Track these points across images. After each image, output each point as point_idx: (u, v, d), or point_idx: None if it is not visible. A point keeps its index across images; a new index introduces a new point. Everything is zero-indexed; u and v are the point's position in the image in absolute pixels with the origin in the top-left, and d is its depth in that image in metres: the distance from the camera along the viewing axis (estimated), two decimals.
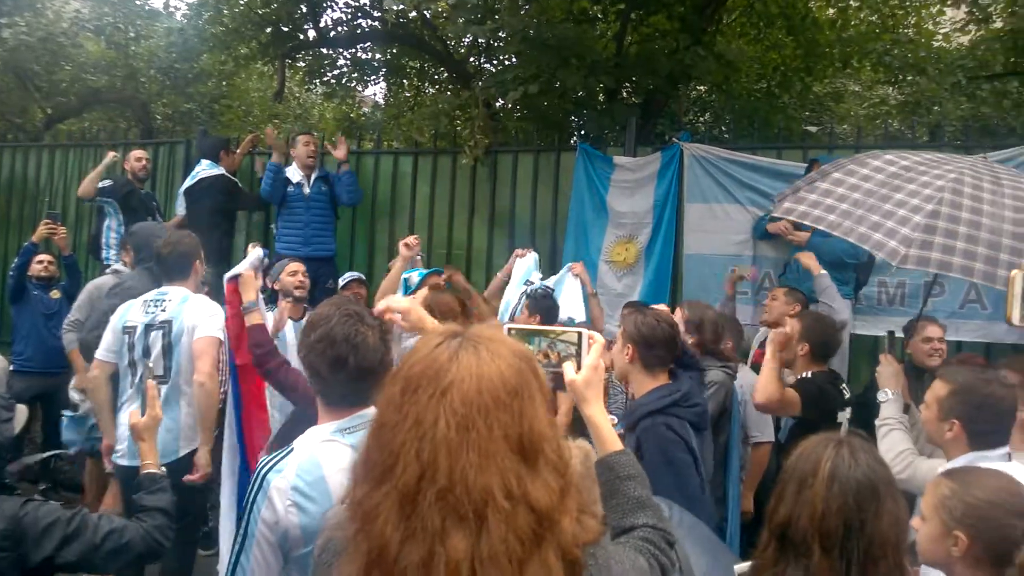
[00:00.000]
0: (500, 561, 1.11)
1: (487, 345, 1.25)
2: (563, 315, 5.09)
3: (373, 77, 9.51)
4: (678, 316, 4.05)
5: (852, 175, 3.40)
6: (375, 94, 12.43)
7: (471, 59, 8.73)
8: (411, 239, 5.09)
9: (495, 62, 8.51)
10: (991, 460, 2.45)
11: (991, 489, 1.93)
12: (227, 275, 3.71)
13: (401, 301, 2.19)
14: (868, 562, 1.69)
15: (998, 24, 7.07)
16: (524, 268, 5.38)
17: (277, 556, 1.87)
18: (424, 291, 4.15)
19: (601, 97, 7.39)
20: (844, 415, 3.82)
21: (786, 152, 5.92)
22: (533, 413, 1.22)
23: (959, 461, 2.49)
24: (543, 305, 4.92)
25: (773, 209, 4.76)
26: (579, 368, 1.62)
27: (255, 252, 3.92)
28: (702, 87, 8.81)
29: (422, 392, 1.19)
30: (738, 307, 5.55)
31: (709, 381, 3.84)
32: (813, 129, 7.28)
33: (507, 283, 5.40)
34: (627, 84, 7.45)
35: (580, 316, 5.16)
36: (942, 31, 8.52)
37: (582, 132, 7.48)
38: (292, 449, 1.99)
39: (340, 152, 6.42)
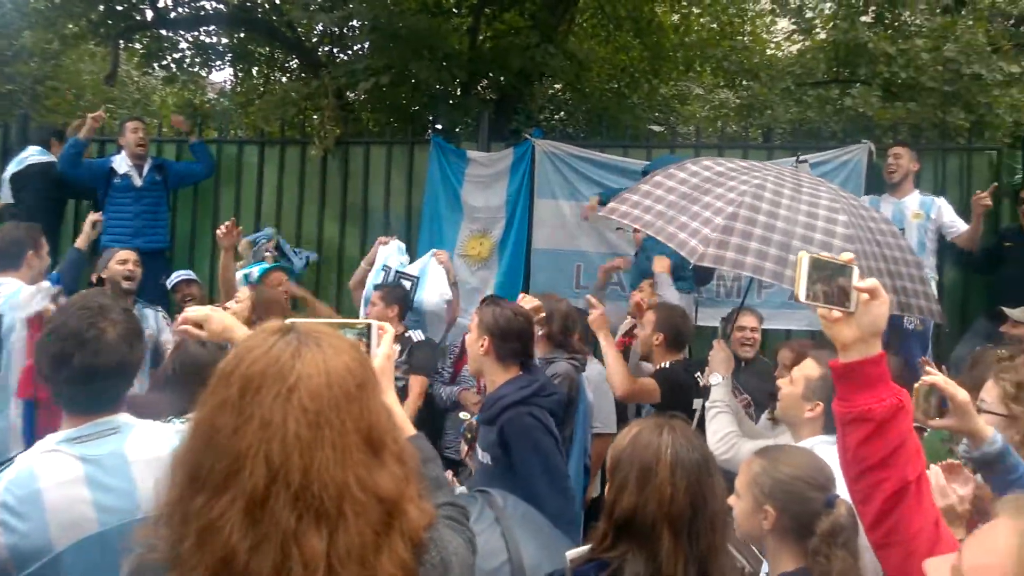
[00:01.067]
0: (356, 554, 1.12)
1: (327, 340, 1.23)
2: (433, 300, 5.06)
3: (218, 62, 9.06)
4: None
5: (670, 179, 3.61)
6: (226, 81, 11.87)
7: (323, 48, 8.50)
8: (223, 227, 4.83)
9: (348, 52, 8.32)
10: (831, 444, 2.62)
11: (796, 465, 2.06)
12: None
13: (199, 310, 1.99)
14: (710, 538, 1.75)
15: (822, 35, 7.65)
16: (385, 256, 5.29)
17: None
18: (247, 289, 4.02)
19: (456, 91, 7.39)
20: (699, 403, 4.00)
21: (632, 150, 6.15)
22: (377, 405, 1.24)
23: (809, 442, 2.59)
24: (397, 295, 4.86)
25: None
26: (372, 357, 1.60)
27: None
28: (557, 85, 9.00)
29: (266, 392, 1.14)
30: (607, 302, 5.69)
31: (554, 373, 3.91)
32: (657, 129, 7.59)
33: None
34: (482, 79, 7.50)
35: (448, 295, 5.16)
36: (775, 40, 9.12)
37: (436, 125, 7.46)
38: (11, 461, 1.81)
39: (177, 119, 6.19)
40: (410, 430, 1.63)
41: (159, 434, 1.89)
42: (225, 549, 1.09)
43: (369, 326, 1.66)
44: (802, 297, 1.50)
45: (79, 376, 1.82)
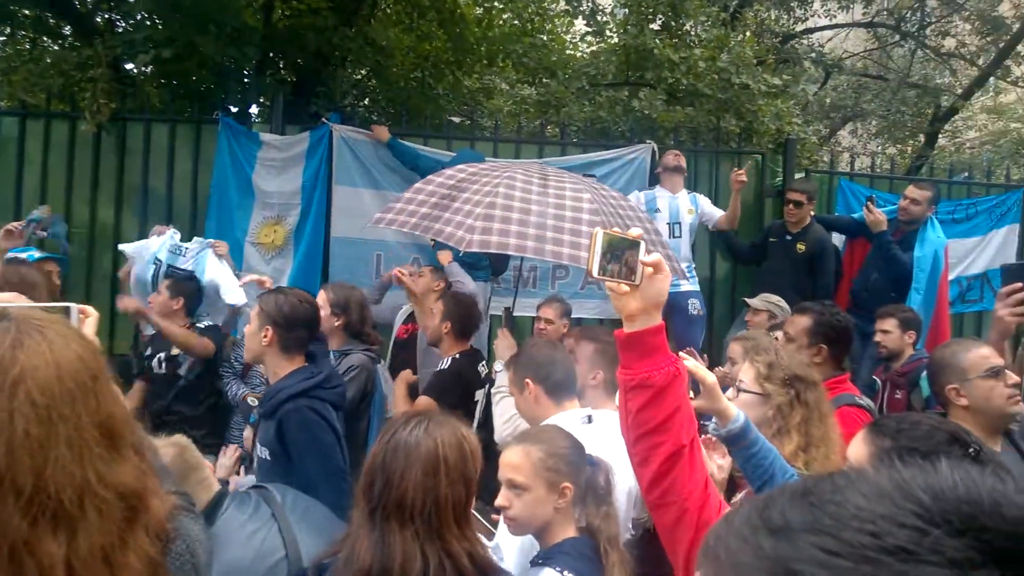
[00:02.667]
0: (99, 555, 1.06)
1: (52, 327, 1.13)
2: (242, 299, 4.78)
3: None
4: (322, 298, 3.99)
5: (429, 184, 3.97)
6: None
7: (100, 14, 7.76)
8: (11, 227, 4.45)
9: (132, 21, 7.66)
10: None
11: (562, 437, 2.21)
12: None
13: None
14: (442, 524, 1.78)
15: (615, 39, 8.05)
16: (156, 245, 4.93)
17: None
18: None
19: (251, 70, 7.04)
20: (482, 392, 4.08)
21: (432, 141, 6.16)
22: (112, 395, 1.17)
23: (600, 413, 2.79)
24: (187, 288, 4.58)
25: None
26: None
27: None
28: (363, 71, 8.82)
29: None
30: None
31: (351, 365, 3.84)
32: (457, 120, 7.66)
33: None
34: (279, 59, 7.20)
35: (241, 299, 4.88)
36: (573, 40, 9.49)
37: (228, 105, 7.06)
38: None
39: None
40: None
41: None
42: None
43: (67, 309, 1.52)
44: (595, 273, 1.55)
45: None
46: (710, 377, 2.12)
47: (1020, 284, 2.73)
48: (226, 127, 5.81)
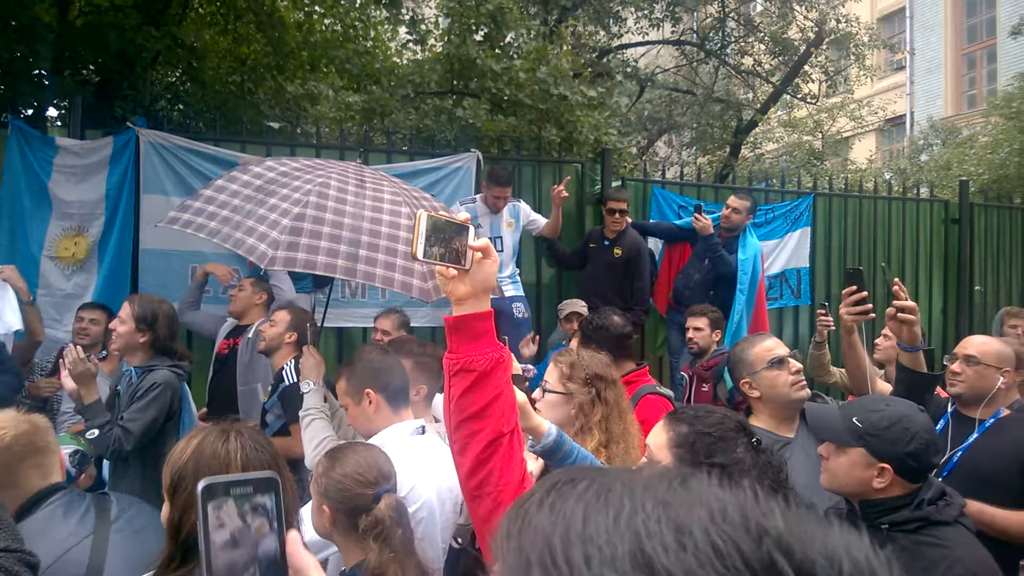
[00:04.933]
0: None
1: None
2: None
3: None
4: (125, 311, 3.75)
5: (233, 182, 3.55)
6: None
7: None
8: None
9: None
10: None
11: (351, 463, 2.14)
12: None
13: None
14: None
15: (438, 48, 8.12)
16: None
17: None
18: None
19: (46, 70, 6.48)
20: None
21: (250, 147, 5.94)
22: None
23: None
24: None
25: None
26: None
27: None
28: (176, 74, 8.35)
29: None
30: (205, 305, 5.38)
31: (154, 382, 3.62)
32: (276, 125, 7.43)
33: None
34: (79, 59, 6.67)
35: (16, 325, 4.46)
36: (397, 48, 9.46)
37: (24, 109, 6.46)
38: None
39: None
40: None
41: None
42: None
43: None
44: (420, 255, 1.52)
45: None
46: (520, 396, 2.18)
47: (855, 287, 3.04)
48: (16, 131, 5.31)
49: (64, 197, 5.41)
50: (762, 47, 12.62)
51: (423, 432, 2.83)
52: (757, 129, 14.86)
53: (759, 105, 13.12)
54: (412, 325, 6.01)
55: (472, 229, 1.63)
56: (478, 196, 6.11)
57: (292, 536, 0.80)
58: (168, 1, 6.48)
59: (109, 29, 5.84)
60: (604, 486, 0.56)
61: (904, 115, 21.38)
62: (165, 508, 1.71)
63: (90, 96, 5.94)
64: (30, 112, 6.12)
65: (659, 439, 1.88)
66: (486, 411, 1.62)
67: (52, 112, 6.62)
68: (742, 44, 12.97)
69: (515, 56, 7.74)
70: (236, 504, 0.76)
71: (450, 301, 1.65)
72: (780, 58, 12.52)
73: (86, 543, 2.05)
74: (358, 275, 3.18)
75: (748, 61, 13.01)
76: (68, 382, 3.45)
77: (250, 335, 4.57)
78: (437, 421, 3.28)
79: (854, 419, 2.20)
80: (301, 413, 3.33)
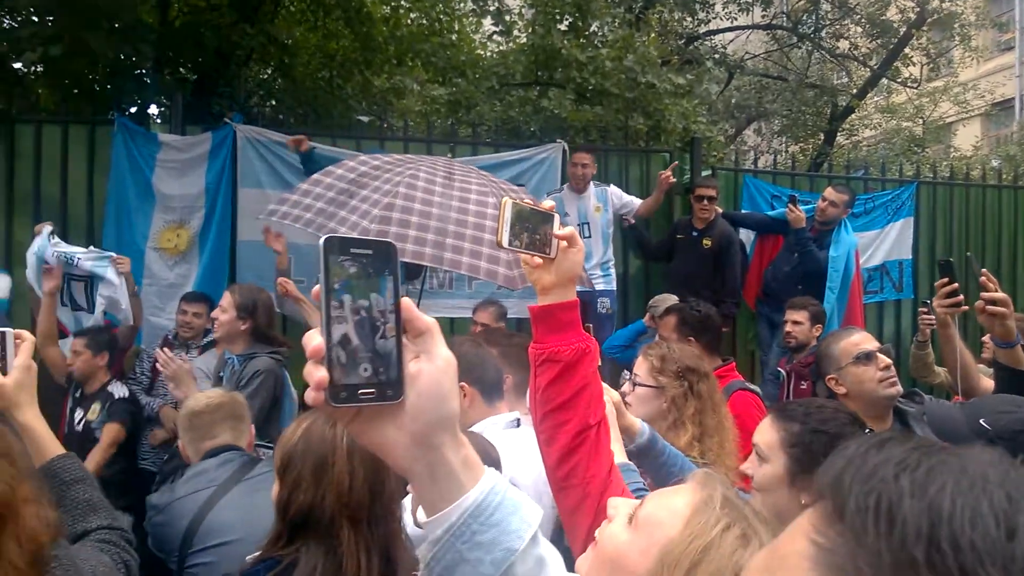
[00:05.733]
0: None
1: None
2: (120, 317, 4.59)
3: None
4: (227, 300, 3.86)
5: (328, 176, 3.71)
6: None
7: None
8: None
9: (18, 18, 7.26)
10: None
11: None
12: None
13: None
14: (389, 524, 1.72)
15: (523, 39, 8.10)
16: (37, 245, 4.69)
17: None
18: None
19: (149, 69, 6.76)
20: None
21: (340, 141, 6.05)
22: None
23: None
24: (103, 340, 4.43)
25: None
26: (6, 371, 1.46)
27: None
28: (268, 71, 8.61)
29: None
30: None
31: (256, 369, 3.71)
32: (365, 119, 7.55)
33: None
34: (178, 58, 6.94)
35: (125, 316, 4.70)
36: (482, 40, 9.50)
37: (129, 107, 6.77)
38: None
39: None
40: (57, 450, 1.49)
41: None
42: None
43: (3, 335, 1.52)
44: (505, 243, 1.49)
45: None
46: (614, 395, 2.12)
47: (947, 279, 2.87)
48: (122, 128, 5.56)
49: (166, 191, 5.63)
50: (858, 29, 12.10)
51: (518, 425, 2.79)
52: (853, 115, 14.27)
53: (855, 90, 12.59)
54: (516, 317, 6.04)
55: (557, 217, 1.59)
56: (565, 185, 6.05)
57: (406, 303, 0.77)
58: (261, 0, 6.66)
59: (206, 28, 6.05)
60: (956, 467, 0.56)
61: (1013, 99, 20.17)
62: (275, 487, 1.75)
63: (189, 93, 6.16)
64: (133, 110, 6.41)
65: (769, 438, 1.80)
66: (572, 402, 1.60)
67: (153, 109, 6.91)
68: (837, 27, 12.46)
69: (600, 45, 7.64)
70: (352, 293, 0.74)
71: (535, 290, 1.63)
72: (878, 40, 11.98)
73: (203, 494, 2.23)
74: (445, 262, 3.22)
75: (844, 44, 12.50)
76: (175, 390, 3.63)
77: None
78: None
79: (981, 421, 2.05)
80: None
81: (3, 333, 1.53)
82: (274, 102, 8.64)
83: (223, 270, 5.73)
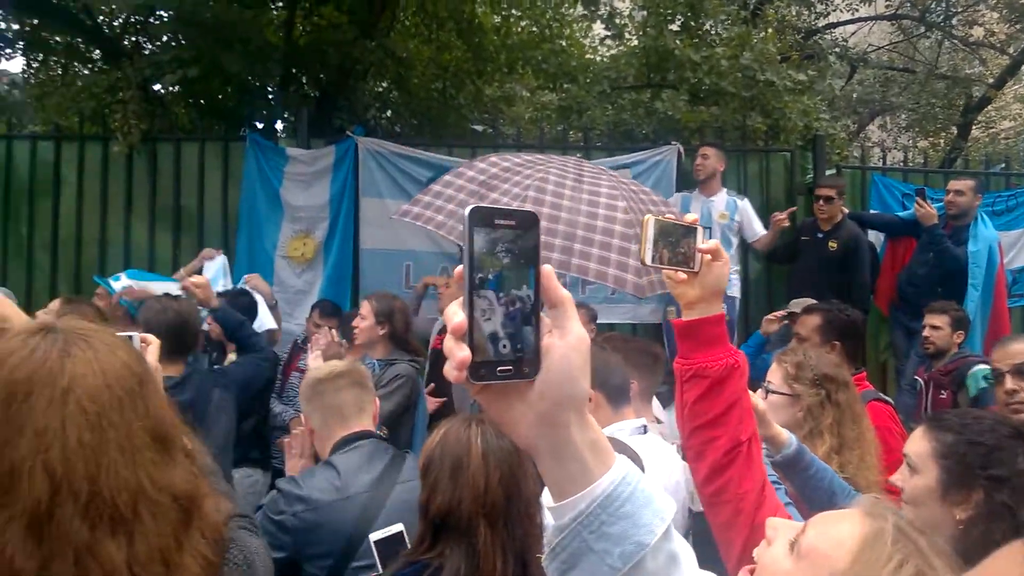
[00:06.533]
0: (158, 557, 1.08)
1: (97, 337, 1.16)
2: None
3: (7, 51, 8.22)
4: (365, 308, 4.01)
5: (459, 177, 3.74)
6: (24, 72, 10.75)
7: (128, 38, 7.91)
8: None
9: (157, 43, 7.80)
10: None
11: None
12: None
13: None
14: (526, 526, 1.74)
15: (635, 42, 8.02)
16: (213, 272, 4.99)
17: None
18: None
19: (276, 87, 7.12)
20: None
21: (456, 150, 6.18)
22: (159, 400, 1.20)
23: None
24: (243, 303, 4.61)
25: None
26: None
27: None
28: (384, 84, 8.89)
29: (36, 398, 1.06)
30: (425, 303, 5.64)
31: (396, 374, 3.82)
32: (480, 128, 7.67)
33: None
34: (302, 75, 7.27)
35: (270, 324, 4.92)
36: (592, 45, 9.46)
37: (256, 123, 7.15)
38: None
39: None
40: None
41: None
42: (9, 573, 1.01)
43: (131, 338, 1.60)
44: (648, 260, 1.50)
45: None
46: (759, 403, 2.05)
47: None
48: (254, 143, 5.88)
49: (293, 202, 5.91)
50: (995, 15, 11.31)
51: (644, 432, 2.74)
52: (990, 106, 13.34)
53: (992, 80, 11.78)
54: (613, 321, 5.99)
55: (700, 231, 1.57)
56: (697, 188, 5.91)
57: (546, 271, 0.75)
58: (379, 15, 6.88)
59: (328, 45, 6.30)
60: None
61: None
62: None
63: (312, 108, 6.43)
64: (260, 125, 6.76)
65: (920, 448, 1.70)
66: (722, 418, 1.57)
67: (278, 125, 7.26)
68: (970, 13, 11.70)
69: (715, 44, 7.47)
70: (495, 266, 0.73)
71: (664, 301, 1.61)
72: (1017, 26, 11.16)
73: (362, 498, 2.20)
74: (572, 268, 3.19)
75: (978, 32, 11.71)
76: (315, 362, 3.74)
77: None
78: (659, 422, 3.17)
79: None
80: None
81: (130, 336, 1.61)
82: (389, 114, 8.92)
83: (346, 277, 5.95)
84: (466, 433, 1.78)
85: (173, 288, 5.04)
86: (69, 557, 1.03)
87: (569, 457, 0.76)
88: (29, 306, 5.72)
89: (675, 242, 1.52)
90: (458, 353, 0.72)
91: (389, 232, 5.92)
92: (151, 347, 1.66)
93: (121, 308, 4.54)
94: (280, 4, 6.93)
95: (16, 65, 16.49)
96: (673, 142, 6.24)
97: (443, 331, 3.91)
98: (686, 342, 1.60)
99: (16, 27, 7.94)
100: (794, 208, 6.07)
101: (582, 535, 0.75)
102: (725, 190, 5.94)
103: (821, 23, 11.37)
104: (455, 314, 0.73)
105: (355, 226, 5.96)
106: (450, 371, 0.73)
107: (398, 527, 1.97)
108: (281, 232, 5.93)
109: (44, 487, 1.04)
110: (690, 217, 1.58)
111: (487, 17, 8.22)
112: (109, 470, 1.07)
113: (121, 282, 4.62)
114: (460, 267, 0.74)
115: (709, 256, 1.55)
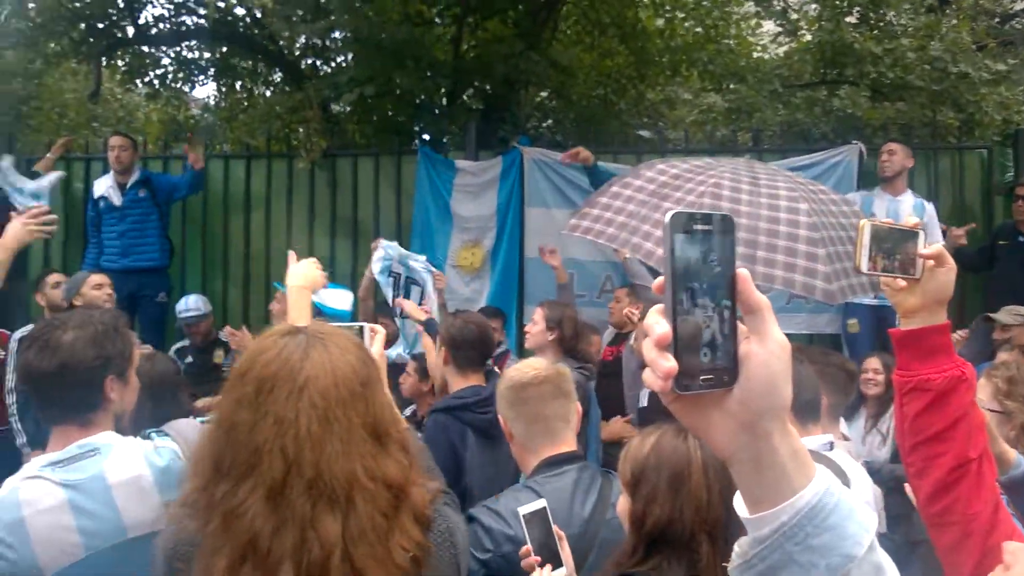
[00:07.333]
0: (368, 536, 1.25)
1: (332, 340, 1.35)
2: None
3: (201, 77, 8.99)
4: (538, 313, 4.07)
5: (627, 188, 3.60)
6: (209, 96, 11.78)
7: (306, 60, 8.44)
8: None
9: (332, 64, 8.28)
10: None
11: None
12: None
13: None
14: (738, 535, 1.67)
15: (808, 37, 7.65)
16: (378, 258, 5.16)
17: None
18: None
19: (442, 101, 7.35)
20: None
21: (621, 156, 6.11)
22: (380, 399, 1.38)
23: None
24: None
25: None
26: None
27: None
28: (544, 93, 8.98)
29: (279, 391, 1.26)
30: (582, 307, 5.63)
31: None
32: (646, 134, 7.56)
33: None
34: (467, 88, 7.46)
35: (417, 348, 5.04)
36: (760, 43, 9.12)
37: (424, 136, 7.40)
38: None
39: (194, 157, 6.00)
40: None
41: (135, 452, 1.83)
42: (249, 532, 1.22)
43: (361, 328, 1.81)
44: (864, 267, 1.46)
45: (37, 377, 1.83)
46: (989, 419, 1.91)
47: None
48: (425, 157, 6.09)
49: (463, 213, 6.07)
50: None
51: (831, 448, 2.60)
52: None
53: None
54: (790, 331, 5.68)
55: (922, 235, 1.48)
56: (878, 187, 5.55)
57: (743, 275, 0.73)
58: (543, 26, 6.94)
59: (495, 58, 6.43)
60: None
61: None
62: (623, 501, 1.76)
63: (478, 120, 6.59)
64: (426, 137, 7.00)
65: None
66: (947, 434, 1.46)
67: (444, 138, 7.49)
68: None
69: (899, 35, 6.98)
70: (694, 272, 0.72)
71: (843, 312, 1.50)
72: None
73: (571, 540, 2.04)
74: (757, 277, 3.04)
75: None
76: None
77: (632, 341, 4.68)
78: (846, 439, 3.01)
79: None
80: None
81: (361, 326, 1.84)
82: (550, 122, 8.99)
83: (512, 286, 6.04)
84: (684, 444, 1.71)
85: (346, 295, 5.30)
86: (295, 526, 1.22)
87: (769, 467, 0.73)
88: (224, 315, 6.21)
89: (892, 247, 1.46)
90: (663, 364, 0.70)
91: (554, 241, 5.90)
92: (378, 336, 1.80)
93: None
94: (448, 21, 7.14)
95: (206, 91, 18.04)
96: (854, 141, 5.87)
97: (614, 342, 3.89)
98: (906, 353, 1.50)
99: (208, 56, 8.68)
100: (973, 225, 5.56)
101: (785, 547, 0.71)
102: (911, 191, 5.53)
103: (1019, 6, 10.37)
104: (657, 323, 0.71)
105: (520, 235, 6.02)
106: (654, 381, 0.72)
107: (542, 503, 1.88)
108: (451, 242, 6.11)
109: (280, 466, 1.23)
110: (912, 220, 1.50)
111: (651, 20, 8.11)
112: (330, 457, 1.25)
113: None
114: (660, 278, 0.73)
115: (932, 262, 1.46)
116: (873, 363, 4.30)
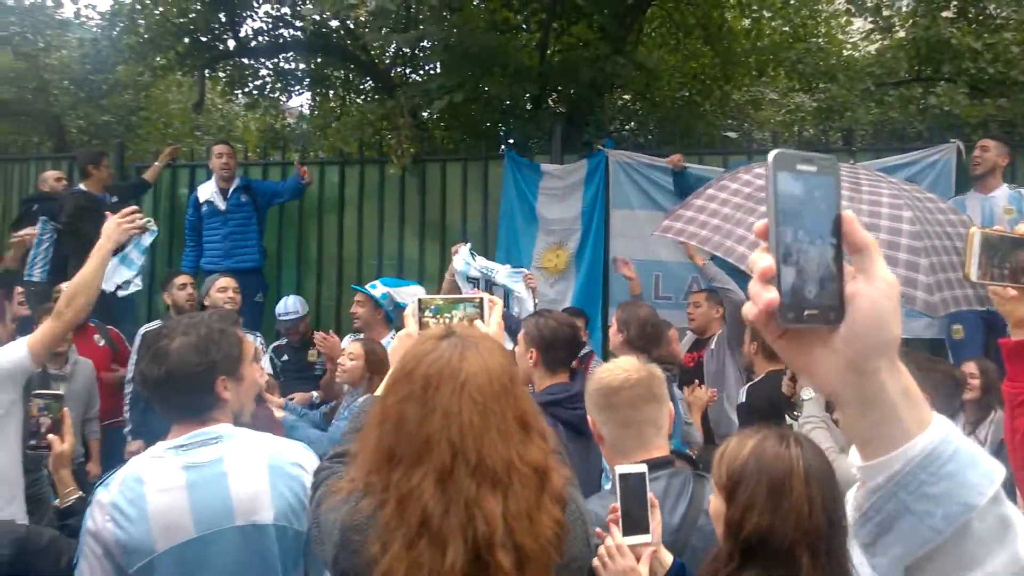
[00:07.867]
0: (524, 514, 1.40)
1: (483, 343, 1.54)
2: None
3: (297, 87, 9.37)
4: (615, 316, 4.12)
5: (723, 191, 3.58)
6: (302, 105, 12.26)
7: (396, 68, 8.70)
8: None
9: (421, 72, 8.50)
10: None
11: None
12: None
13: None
14: (843, 555, 1.58)
15: (901, 34, 7.42)
16: (461, 262, 5.30)
17: (105, 567, 1.80)
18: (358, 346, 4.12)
19: (527, 106, 7.46)
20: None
21: (707, 158, 6.08)
22: (523, 394, 1.56)
23: None
24: None
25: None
26: (486, 325, 1.88)
27: None
28: (627, 96, 8.97)
29: (444, 387, 1.43)
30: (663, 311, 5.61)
31: None
32: (732, 135, 7.48)
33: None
34: (552, 92, 7.54)
35: None
36: (851, 40, 8.88)
37: (509, 140, 7.53)
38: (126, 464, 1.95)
39: (303, 170, 6.38)
40: None
41: (256, 443, 1.98)
42: (423, 512, 1.37)
43: (482, 300, 1.95)
44: (974, 276, 1.44)
45: (151, 384, 1.96)
46: None
47: None
48: (511, 161, 6.21)
49: (548, 216, 6.15)
50: None
51: None
52: None
53: None
54: (905, 336, 5.54)
55: None
56: (972, 189, 5.37)
57: (848, 216, 0.73)
58: (628, 29, 6.97)
59: (582, 63, 6.50)
60: None
61: None
62: (716, 502, 1.74)
63: (563, 124, 6.67)
64: (512, 142, 7.11)
65: None
66: None
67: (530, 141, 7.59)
68: None
69: (1000, 29, 6.71)
70: (796, 210, 0.73)
71: (947, 316, 1.48)
72: None
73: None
74: None
75: None
76: None
77: (713, 346, 4.69)
78: None
79: None
80: (802, 420, 3.23)
81: (481, 298, 1.97)
82: (632, 125, 8.99)
83: (597, 287, 6.09)
84: (786, 451, 1.66)
85: (421, 292, 5.45)
86: (462, 506, 1.37)
87: (877, 405, 0.72)
88: (318, 314, 6.48)
89: (1002, 256, 1.43)
90: (765, 295, 0.71)
91: (639, 243, 5.96)
92: (496, 307, 1.94)
93: (381, 312, 4.97)
94: (534, 27, 7.24)
95: (301, 100, 18.69)
96: (952, 140, 5.67)
97: (694, 348, 3.86)
98: (1017, 364, 1.47)
99: (303, 66, 9.05)
100: None
101: (899, 495, 0.70)
102: (1005, 184, 5.30)
103: None
104: (761, 258, 0.73)
105: (605, 237, 6.07)
106: (752, 311, 0.73)
107: (642, 467, 1.91)
108: (536, 244, 6.20)
109: (447, 453, 1.40)
110: (1022, 228, 1.47)
111: (737, 21, 8.03)
112: (490, 445, 1.41)
113: (378, 289, 5.03)
114: (764, 220, 0.74)
115: None
116: (970, 367, 4.17)
